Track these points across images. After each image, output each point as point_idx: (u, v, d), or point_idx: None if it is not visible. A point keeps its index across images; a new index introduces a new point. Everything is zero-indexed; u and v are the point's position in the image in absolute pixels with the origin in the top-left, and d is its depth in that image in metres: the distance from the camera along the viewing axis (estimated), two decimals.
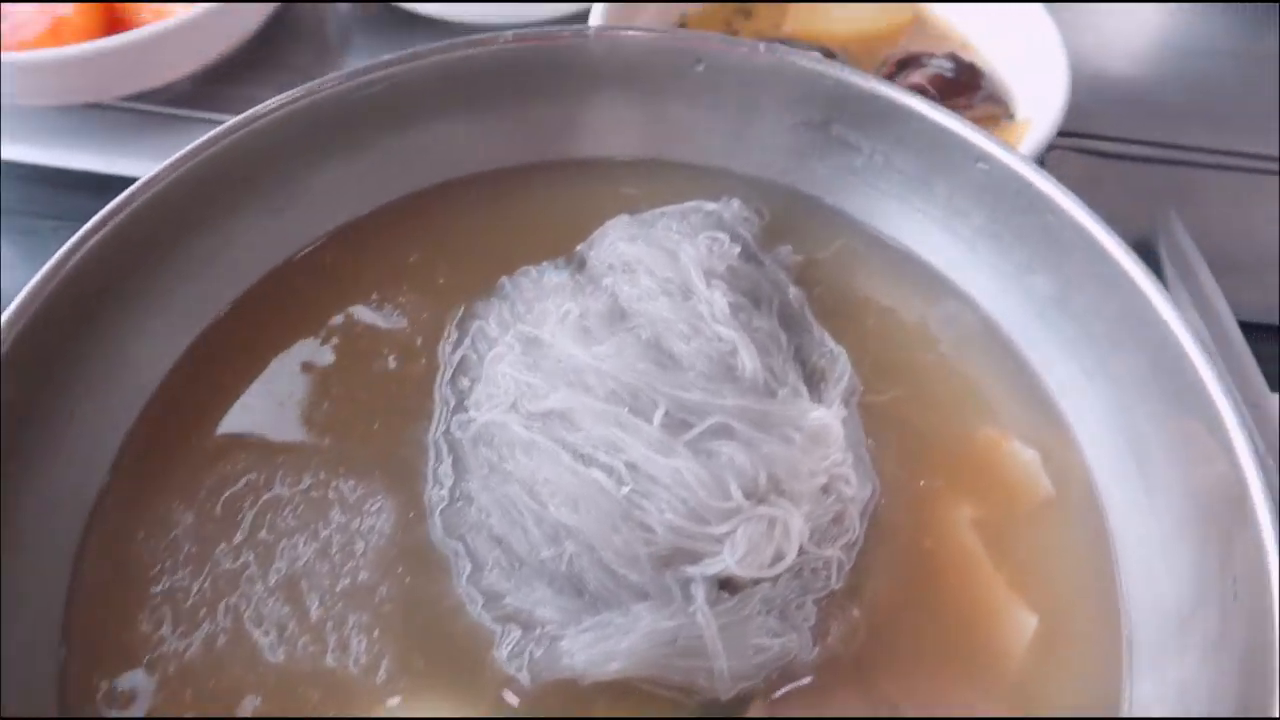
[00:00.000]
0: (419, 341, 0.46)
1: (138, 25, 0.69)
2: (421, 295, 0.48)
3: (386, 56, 0.47)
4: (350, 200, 0.50)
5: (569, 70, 0.50)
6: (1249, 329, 0.58)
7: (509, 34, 0.49)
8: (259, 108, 0.45)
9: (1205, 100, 0.73)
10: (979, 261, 0.47)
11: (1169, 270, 0.60)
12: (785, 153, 0.51)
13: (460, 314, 0.47)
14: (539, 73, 0.50)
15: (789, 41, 0.69)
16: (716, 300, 0.41)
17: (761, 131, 0.51)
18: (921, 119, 0.46)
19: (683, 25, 0.72)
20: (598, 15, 0.66)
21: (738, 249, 0.44)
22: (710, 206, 0.48)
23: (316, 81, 0.46)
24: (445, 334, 0.46)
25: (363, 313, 0.47)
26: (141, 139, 0.69)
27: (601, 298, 0.43)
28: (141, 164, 0.67)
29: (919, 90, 0.65)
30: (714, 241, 0.44)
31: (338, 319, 0.47)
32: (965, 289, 0.48)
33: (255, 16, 0.70)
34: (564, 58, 0.50)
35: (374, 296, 0.48)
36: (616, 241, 0.45)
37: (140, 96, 0.69)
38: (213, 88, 0.71)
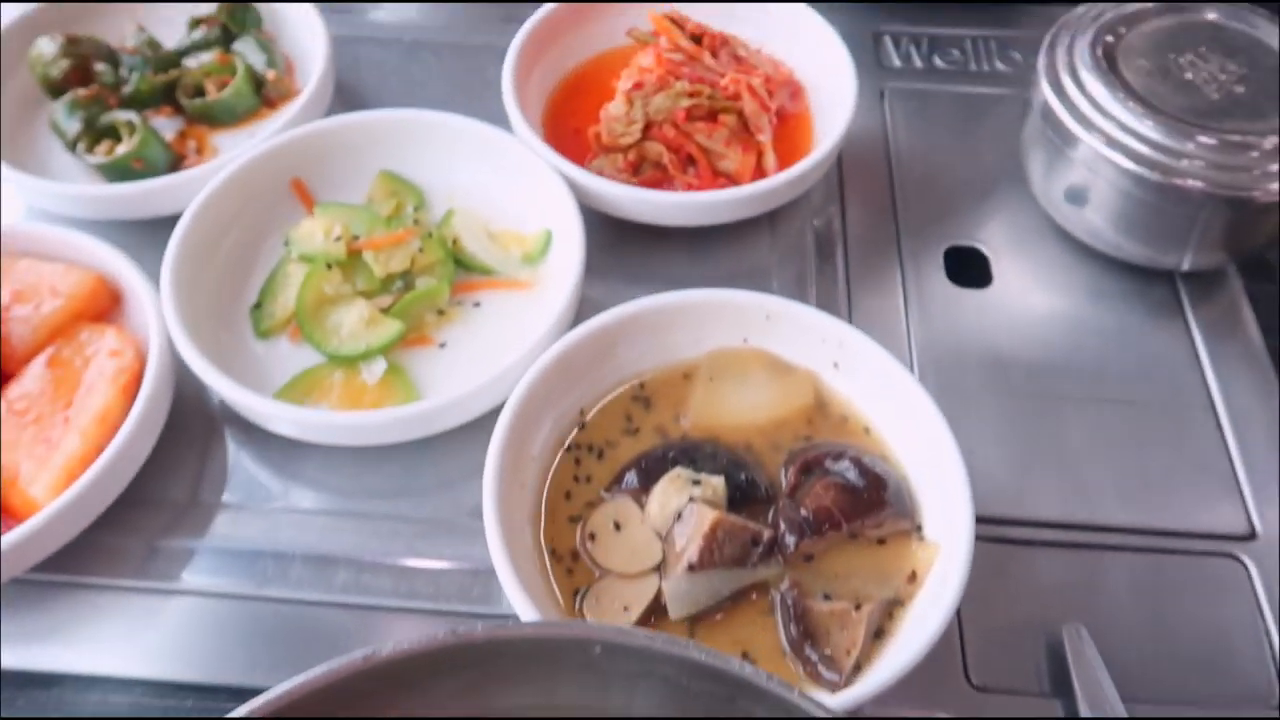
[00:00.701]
0: None
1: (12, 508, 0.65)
2: None
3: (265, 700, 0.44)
4: None
5: (458, 662, 0.48)
6: None
7: (389, 646, 0.46)
8: None
9: (1111, 474, 0.73)
10: None
11: (1083, 709, 0.59)
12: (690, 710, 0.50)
13: None
14: (425, 668, 0.47)
15: (690, 443, 0.68)
16: None
17: (663, 690, 0.49)
18: None
19: (582, 424, 0.70)
20: (491, 468, 0.64)
21: None
22: None
23: None
24: None
25: None
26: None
27: None
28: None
29: (826, 516, 0.64)
30: None
31: None
32: None
33: (128, 472, 0.67)
34: (451, 655, 0.47)
35: None
36: None
37: None
38: (82, 536, 0.66)
